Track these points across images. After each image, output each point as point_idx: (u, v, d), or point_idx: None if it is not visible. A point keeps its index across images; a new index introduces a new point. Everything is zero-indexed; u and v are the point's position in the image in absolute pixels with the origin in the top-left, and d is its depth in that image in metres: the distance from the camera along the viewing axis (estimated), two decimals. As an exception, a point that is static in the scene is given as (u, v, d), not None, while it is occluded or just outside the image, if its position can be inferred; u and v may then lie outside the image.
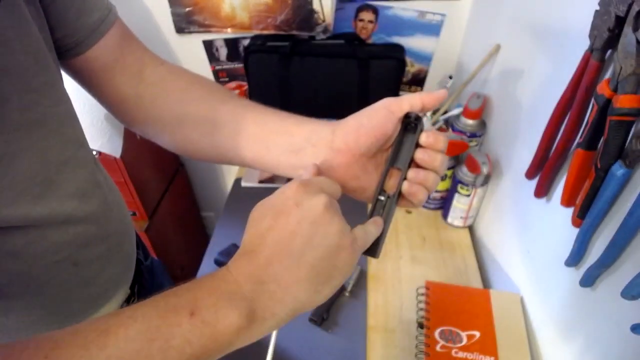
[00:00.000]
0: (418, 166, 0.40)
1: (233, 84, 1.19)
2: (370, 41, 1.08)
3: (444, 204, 0.94)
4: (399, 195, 0.40)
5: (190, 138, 0.49)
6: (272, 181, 1.06)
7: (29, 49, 0.39)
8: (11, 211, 0.39)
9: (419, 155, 0.40)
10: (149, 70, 0.50)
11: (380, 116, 0.40)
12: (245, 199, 1.02)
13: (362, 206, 0.94)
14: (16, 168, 0.38)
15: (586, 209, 0.49)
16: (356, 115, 0.42)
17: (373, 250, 0.39)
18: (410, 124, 0.41)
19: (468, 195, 0.84)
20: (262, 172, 1.08)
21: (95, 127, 0.97)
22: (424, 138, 0.40)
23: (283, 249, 0.32)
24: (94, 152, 1.00)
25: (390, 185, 0.41)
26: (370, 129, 0.40)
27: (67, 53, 0.46)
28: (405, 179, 0.40)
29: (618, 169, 0.43)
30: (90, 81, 0.49)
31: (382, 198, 0.41)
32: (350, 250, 0.34)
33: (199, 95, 0.50)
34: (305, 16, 1.00)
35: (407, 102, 0.40)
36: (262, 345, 0.71)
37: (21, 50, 0.38)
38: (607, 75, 0.47)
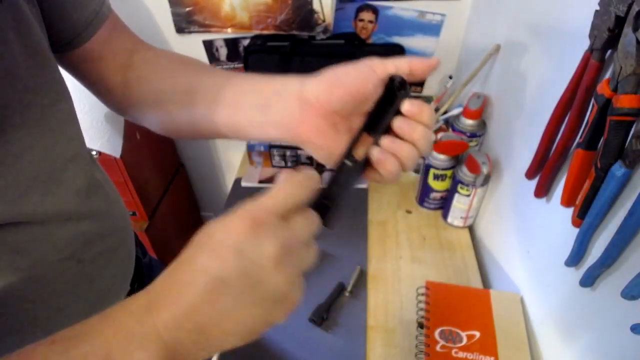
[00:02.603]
0: (397, 137, 0.37)
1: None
2: (370, 41, 1.08)
3: (444, 204, 0.94)
4: (367, 163, 0.36)
5: (171, 113, 0.48)
6: (272, 181, 1.06)
7: (30, 50, 0.39)
8: (16, 208, 0.39)
9: (398, 122, 0.36)
10: (137, 57, 0.50)
11: (359, 73, 0.37)
12: (245, 199, 1.02)
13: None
14: (21, 166, 0.39)
15: (586, 209, 0.49)
16: (334, 68, 0.38)
17: (326, 219, 0.34)
18: (394, 88, 0.36)
19: (468, 195, 0.84)
20: (262, 172, 1.08)
21: (95, 128, 0.97)
22: (407, 106, 0.36)
23: (210, 299, 0.28)
24: (94, 152, 1.00)
25: (361, 152, 0.37)
26: (346, 85, 0.37)
27: (62, 47, 0.46)
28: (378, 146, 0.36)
29: (618, 169, 0.43)
30: (82, 72, 0.50)
31: (349, 163, 0.36)
32: (294, 300, 0.30)
33: (180, 71, 0.49)
34: (305, 16, 1.00)
35: (392, 63, 0.36)
36: (259, 346, 0.70)
37: (22, 51, 0.38)
38: (607, 75, 0.47)
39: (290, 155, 1.05)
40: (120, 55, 0.49)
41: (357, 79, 0.36)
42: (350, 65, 0.37)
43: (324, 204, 0.35)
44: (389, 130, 0.36)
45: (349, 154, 0.36)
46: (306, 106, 0.38)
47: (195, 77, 0.47)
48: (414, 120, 0.36)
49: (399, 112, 0.36)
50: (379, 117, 0.36)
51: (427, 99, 1.15)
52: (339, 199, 0.35)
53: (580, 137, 0.49)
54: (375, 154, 0.36)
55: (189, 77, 0.47)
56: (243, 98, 0.42)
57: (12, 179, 0.38)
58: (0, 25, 0.36)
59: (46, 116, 0.41)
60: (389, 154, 0.36)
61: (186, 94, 0.46)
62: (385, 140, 0.36)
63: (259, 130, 0.41)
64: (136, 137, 1.10)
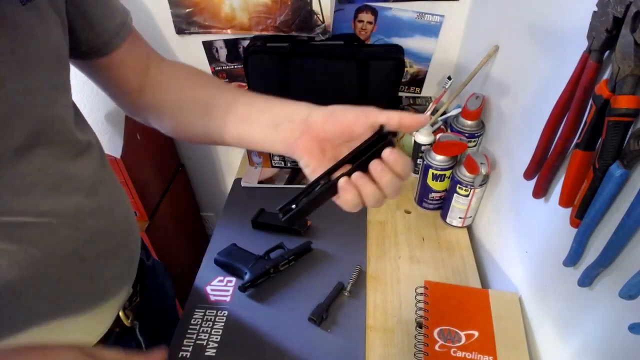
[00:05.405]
0: (370, 177, 0.41)
1: (233, 85, 1.19)
2: (369, 42, 1.09)
3: (442, 204, 0.94)
4: (334, 188, 0.41)
5: (187, 121, 0.54)
6: (272, 181, 1.06)
7: (53, 49, 0.42)
8: (22, 203, 0.40)
9: (373, 164, 0.40)
10: (153, 65, 0.56)
11: (352, 115, 0.43)
12: (245, 199, 1.02)
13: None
14: (32, 160, 0.41)
15: (584, 209, 0.49)
16: (339, 105, 0.45)
17: (287, 216, 0.41)
18: (380, 135, 0.42)
19: (467, 196, 0.85)
20: (262, 172, 1.09)
21: (96, 128, 0.97)
22: (386, 153, 0.40)
23: None
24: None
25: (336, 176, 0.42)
26: (339, 121, 0.43)
27: (92, 55, 0.50)
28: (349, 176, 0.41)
29: (616, 170, 0.43)
30: (103, 77, 0.54)
31: (322, 182, 0.42)
32: None
33: (195, 82, 0.55)
34: (305, 17, 1.00)
35: (385, 114, 0.42)
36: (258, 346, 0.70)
37: (46, 48, 0.41)
38: (605, 75, 0.47)
39: (289, 156, 1.06)
40: (139, 61, 0.55)
41: (349, 119, 0.43)
42: (352, 107, 0.44)
43: (291, 206, 0.42)
44: (366, 169, 0.41)
45: (325, 175, 0.42)
46: (305, 129, 0.45)
47: (211, 91, 0.54)
48: (388, 167, 0.40)
49: (379, 156, 0.41)
50: (361, 155, 0.42)
51: (426, 99, 1.15)
52: (304, 205, 0.42)
53: (579, 138, 0.49)
54: (341, 181, 0.41)
55: (205, 89, 0.54)
56: (258, 116, 0.49)
57: (20, 172, 0.40)
58: (29, 22, 0.39)
59: (63, 114, 0.44)
60: (352, 186, 0.40)
61: (204, 105, 0.52)
62: (355, 175, 0.41)
63: (270, 145, 0.48)
64: (136, 138, 1.10)
